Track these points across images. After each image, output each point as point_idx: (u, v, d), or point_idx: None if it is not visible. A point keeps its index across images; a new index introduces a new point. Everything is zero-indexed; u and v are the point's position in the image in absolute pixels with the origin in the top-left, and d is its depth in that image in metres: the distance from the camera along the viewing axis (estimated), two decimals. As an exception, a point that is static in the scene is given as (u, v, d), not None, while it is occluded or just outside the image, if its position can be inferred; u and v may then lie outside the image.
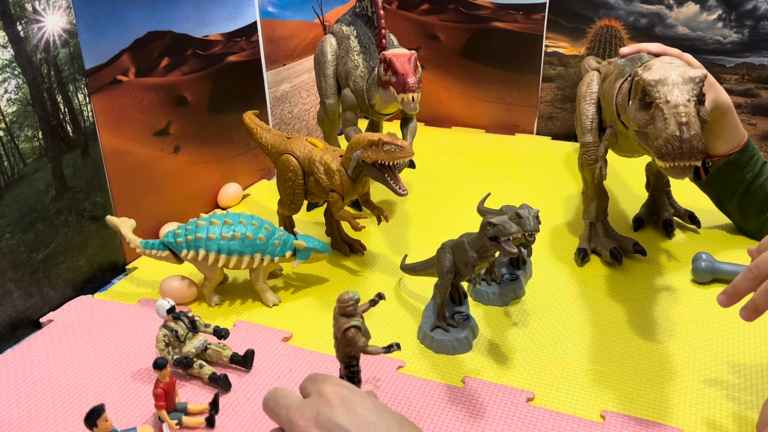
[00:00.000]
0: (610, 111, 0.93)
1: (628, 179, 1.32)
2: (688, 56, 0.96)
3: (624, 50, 0.98)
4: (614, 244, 1.02)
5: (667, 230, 1.11)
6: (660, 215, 1.13)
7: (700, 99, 0.74)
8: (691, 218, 1.12)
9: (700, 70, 0.75)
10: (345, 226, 1.12)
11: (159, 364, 0.70)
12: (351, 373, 0.73)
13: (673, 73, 0.74)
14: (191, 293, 0.96)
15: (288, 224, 1.09)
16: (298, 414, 0.49)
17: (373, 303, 0.75)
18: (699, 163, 0.71)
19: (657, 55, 0.93)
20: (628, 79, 0.87)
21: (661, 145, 0.71)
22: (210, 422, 0.73)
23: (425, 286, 0.97)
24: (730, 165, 1.04)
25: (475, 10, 1.60)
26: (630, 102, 0.80)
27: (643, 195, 1.17)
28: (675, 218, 1.13)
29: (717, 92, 0.98)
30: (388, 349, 0.72)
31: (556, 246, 1.09)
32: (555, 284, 0.99)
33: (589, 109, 1.00)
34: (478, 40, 1.62)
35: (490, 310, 0.93)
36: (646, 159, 1.13)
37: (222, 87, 1.25)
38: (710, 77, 0.98)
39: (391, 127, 1.34)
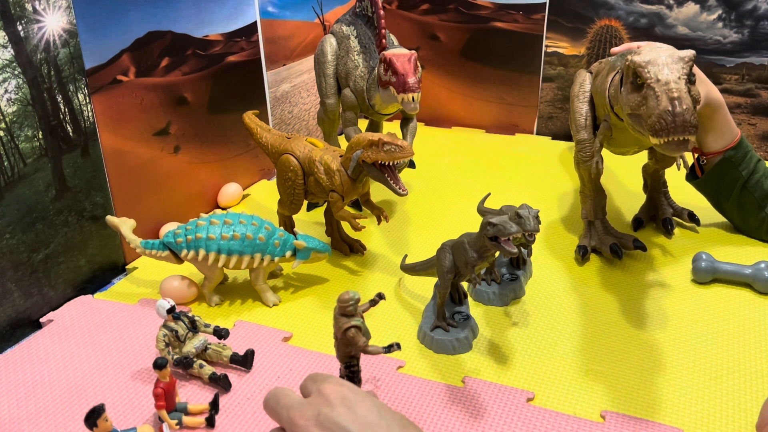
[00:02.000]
0: (603, 105, 0.94)
1: (625, 179, 1.32)
2: None
3: (615, 50, 0.99)
4: (614, 240, 1.03)
5: (667, 229, 1.11)
6: (659, 215, 1.13)
7: (690, 78, 0.75)
8: (691, 217, 1.12)
9: (689, 51, 0.76)
10: (345, 226, 1.12)
11: (159, 364, 0.70)
12: (351, 373, 0.73)
13: (662, 54, 0.75)
14: (191, 293, 0.96)
15: (288, 224, 1.09)
16: (298, 414, 0.49)
17: (373, 303, 0.75)
18: (693, 138, 0.72)
19: None
20: (620, 70, 0.88)
21: (654, 121, 0.72)
22: (210, 422, 0.73)
23: (425, 286, 0.97)
24: (725, 162, 1.04)
25: (475, 10, 1.60)
26: (622, 88, 0.81)
27: (641, 194, 1.17)
28: (674, 217, 1.14)
29: (708, 88, 0.99)
30: (389, 349, 0.72)
31: (556, 246, 1.09)
32: (555, 284, 0.99)
33: (583, 107, 1.01)
34: (478, 40, 1.62)
35: (490, 310, 0.93)
36: (643, 158, 1.13)
37: (222, 87, 1.25)
38: (700, 74, 0.99)
39: (391, 127, 1.34)
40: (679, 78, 0.73)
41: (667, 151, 0.73)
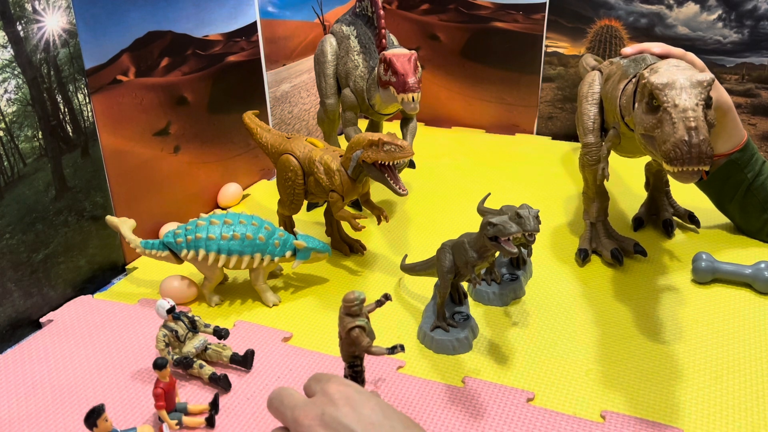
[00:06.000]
0: (613, 112, 0.93)
1: (627, 179, 1.32)
2: (692, 56, 0.96)
3: (626, 51, 0.97)
4: (615, 244, 1.02)
5: (667, 230, 1.11)
6: (660, 215, 1.13)
7: (707, 103, 0.73)
8: (691, 218, 1.12)
9: (707, 74, 0.74)
10: (345, 226, 1.11)
11: (159, 364, 0.70)
12: (355, 373, 0.73)
13: (680, 77, 0.73)
14: (191, 293, 0.96)
15: (288, 224, 1.09)
16: (303, 413, 0.49)
17: (379, 303, 0.75)
18: (707, 168, 0.70)
19: (660, 55, 0.93)
20: (633, 80, 0.87)
21: (669, 149, 0.70)
22: (210, 422, 0.73)
23: (425, 286, 0.97)
24: (731, 164, 1.04)
25: (475, 10, 1.60)
26: (636, 105, 0.79)
27: (642, 194, 1.17)
28: (674, 218, 1.13)
29: (718, 92, 0.99)
30: (392, 350, 0.71)
31: (556, 246, 1.09)
32: (555, 284, 0.99)
33: (591, 109, 0.99)
34: (478, 40, 1.62)
35: (490, 310, 0.93)
36: (646, 158, 1.13)
37: (222, 87, 1.25)
38: None
39: (391, 127, 1.34)
40: (696, 104, 0.71)
41: (678, 179, 0.72)
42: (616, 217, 1.18)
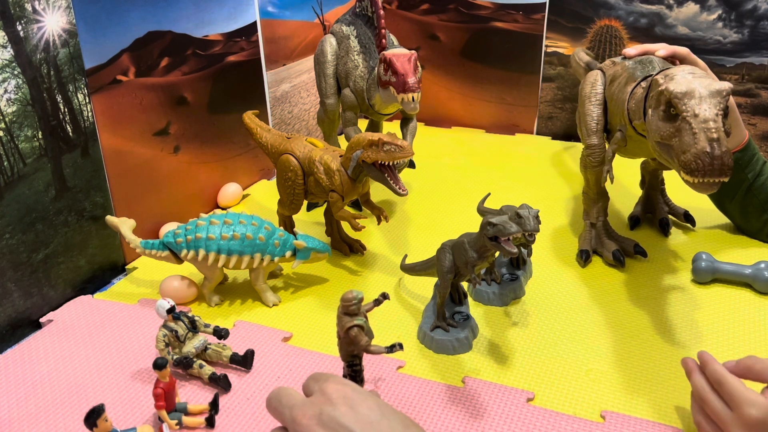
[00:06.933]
0: (620, 115, 0.92)
1: (622, 177, 1.31)
2: (693, 57, 0.96)
3: (629, 52, 0.96)
4: (616, 246, 1.02)
5: (664, 229, 1.11)
6: (655, 214, 1.13)
7: (725, 112, 0.73)
8: (686, 216, 1.12)
9: (725, 83, 0.74)
10: (345, 226, 1.11)
11: (159, 364, 0.70)
12: (354, 372, 0.73)
13: (698, 85, 0.73)
14: (191, 293, 0.96)
15: (288, 224, 1.09)
16: (301, 413, 0.49)
17: (377, 303, 0.75)
18: (727, 179, 0.70)
19: (666, 58, 0.93)
20: (642, 84, 0.86)
21: (690, 160, 0.70)
22: (210, 422, 0.73)
23: (425, 286, 0.97)
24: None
25: (475, 10, 1.60)
26: (650, 111, 0.78)
27: (637, 192, 1.17)
28: (670, 216, 1.13)
29: None
30: (391, 349, 0.71)
31: (556, 246, 1.09)
32: (555, 284, 0.99)
33: (595, 110, 0.99)
34: (478, 40, 1.62)
35: (490, 310, 0.93)
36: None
37: (222, 87, 1.25)
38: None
39: (391, 127, 1.34)
40: (717, 115, 0.70)
41: (697, 190, 0.71)
42: (612, 215, 1.17)
